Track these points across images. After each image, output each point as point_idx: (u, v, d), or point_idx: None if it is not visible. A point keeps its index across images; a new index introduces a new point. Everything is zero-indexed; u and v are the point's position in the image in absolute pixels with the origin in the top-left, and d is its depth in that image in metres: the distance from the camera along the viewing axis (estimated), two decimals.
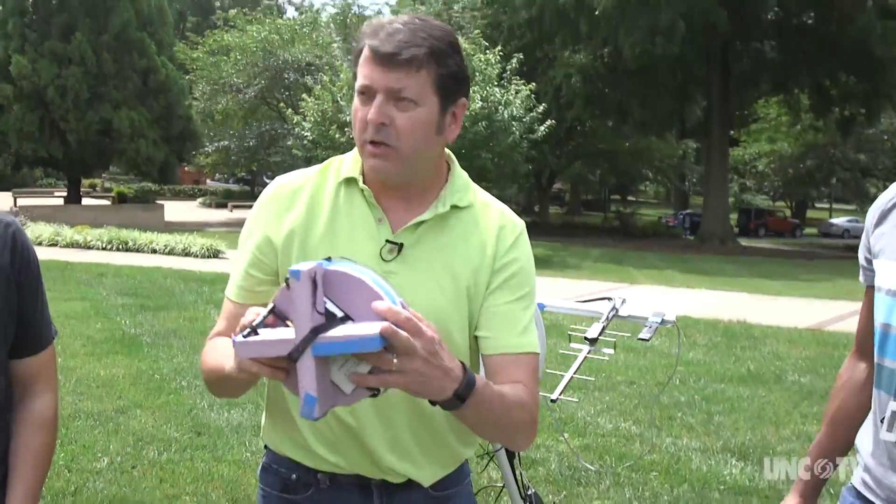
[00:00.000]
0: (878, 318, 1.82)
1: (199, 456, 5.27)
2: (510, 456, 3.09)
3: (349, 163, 1.78)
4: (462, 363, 1.50)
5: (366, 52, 1.63)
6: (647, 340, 3.14)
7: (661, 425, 6.33)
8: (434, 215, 1.74)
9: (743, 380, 7.98)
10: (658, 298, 14.27)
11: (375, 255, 1.71)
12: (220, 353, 1.67)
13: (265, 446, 1.92)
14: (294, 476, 1.83)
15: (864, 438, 1.91)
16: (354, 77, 1.68)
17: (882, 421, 1.79)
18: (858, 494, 1.90)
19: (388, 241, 1.72)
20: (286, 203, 1.76)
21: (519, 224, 1.82)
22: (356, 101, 1.66)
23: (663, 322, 3.17)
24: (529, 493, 3.20)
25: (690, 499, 4.86)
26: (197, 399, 6.52)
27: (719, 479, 5.18)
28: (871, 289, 1.92)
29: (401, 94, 1.61)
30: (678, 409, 6.75)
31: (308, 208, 1.75)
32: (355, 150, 1.76)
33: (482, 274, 1.76)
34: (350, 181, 1.76)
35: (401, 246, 1.72)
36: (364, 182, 1.74)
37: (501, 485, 3.20)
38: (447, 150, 1.81)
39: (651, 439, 5.94)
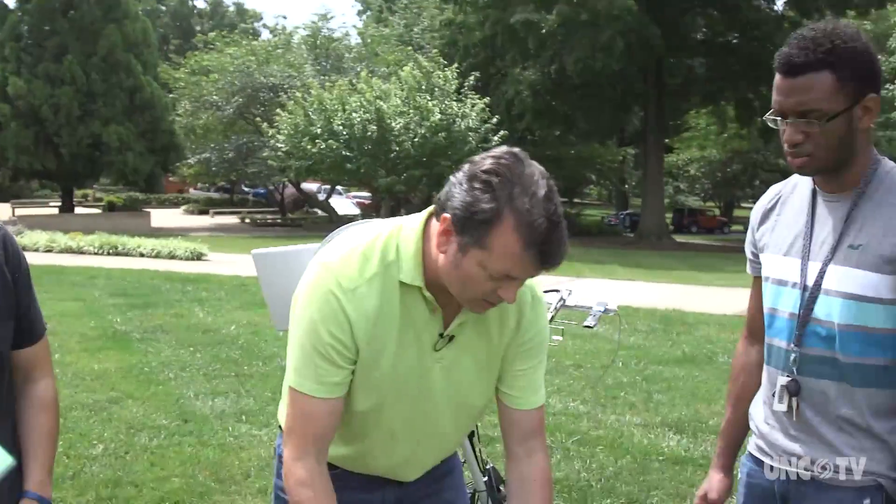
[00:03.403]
0: (766, 304, 1.90)
1: (187, 441, 5.23)
2: (469, 434, 3.10)
3: (408, 265, 1.65)
4: None
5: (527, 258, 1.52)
6: (592, 328, 3.17)
7: (606, 404, 6.36)
8: None
9: (678, 362, 8.04)
10: (602, 290, 14.33)
11: (430, 346, 1.73)
12: None
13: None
14: None
15: (757, 410, 1.98)
16: (470, 242, 1.52)
17: (773, 395, 1.86)
18: (755, 459, 1.97)
19: (440, 335, 1.72)
20: (364, 318, 1.65)
21: (539, 290, 1.85)
22: (478, 269, 1.54)
23: (606, 311, 3.20)
24: (488, 467, 3.21)
25: (633, 469, 4.90)
26: (183, 389, 6.46)
27: (658, 450, 5.23)
28: (758, 279, 1.99)
29: None
30: (621, 389, 6.79)
31: (379, 315, 1.66)
32: (408, 246, 1.66)
33: (512, 345, 1.80)
34: (412, 287, 1.66)
35: (451, 337, 1.73)
36: (427, 289, 1.67)
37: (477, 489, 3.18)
38: None
39: (597, 416, 5.98)
